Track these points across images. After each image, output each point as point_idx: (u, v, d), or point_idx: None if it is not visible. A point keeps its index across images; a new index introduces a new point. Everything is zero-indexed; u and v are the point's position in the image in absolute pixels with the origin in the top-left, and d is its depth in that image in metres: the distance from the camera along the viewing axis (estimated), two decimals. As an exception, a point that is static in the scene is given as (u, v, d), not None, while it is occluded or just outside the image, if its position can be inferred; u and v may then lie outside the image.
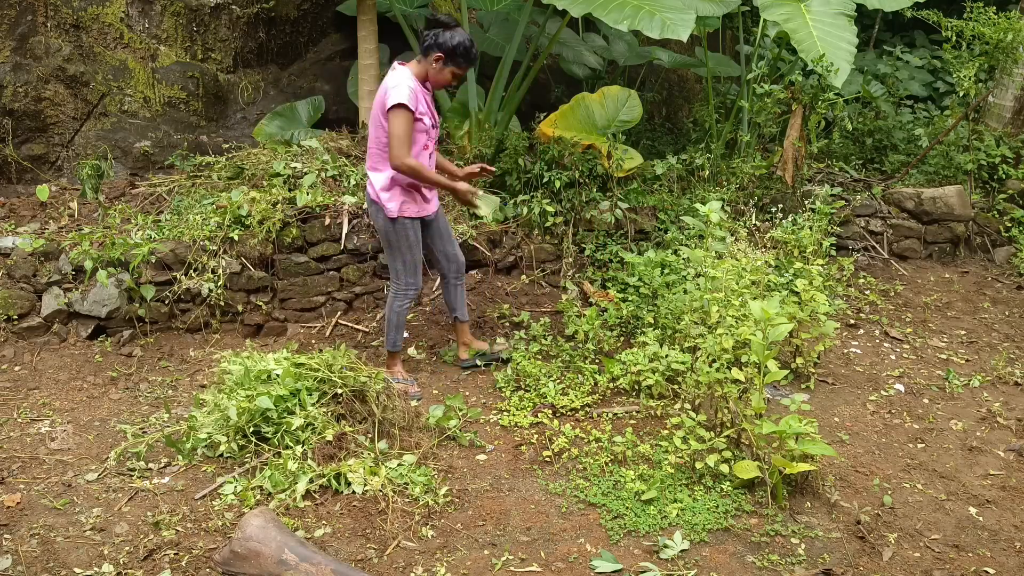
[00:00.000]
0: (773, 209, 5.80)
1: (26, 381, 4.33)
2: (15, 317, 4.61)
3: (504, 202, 5.69)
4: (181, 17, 6.09)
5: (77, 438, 3.85)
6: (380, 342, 4.88)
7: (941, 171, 6.63)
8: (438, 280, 5.25)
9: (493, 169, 4.35)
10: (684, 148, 6.61)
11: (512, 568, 3.04)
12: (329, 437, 3.57)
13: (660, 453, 3.72)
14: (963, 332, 5.22)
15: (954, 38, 6.13)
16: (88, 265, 4.60)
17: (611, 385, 4.29)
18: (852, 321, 5.28)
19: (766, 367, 3.50)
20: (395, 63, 3.99)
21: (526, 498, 3.46)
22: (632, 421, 4.05)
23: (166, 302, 4.76)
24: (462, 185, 4.06)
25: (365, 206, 5.09)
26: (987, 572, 3.09)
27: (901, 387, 4.52)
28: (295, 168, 5.33)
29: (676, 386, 4.14)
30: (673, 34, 4.76)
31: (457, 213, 5.47)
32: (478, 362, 4.57)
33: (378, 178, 4.01)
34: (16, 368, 4.44)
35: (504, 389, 4.34)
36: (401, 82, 3.84)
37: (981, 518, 3.41)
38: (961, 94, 6.14)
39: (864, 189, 6.35)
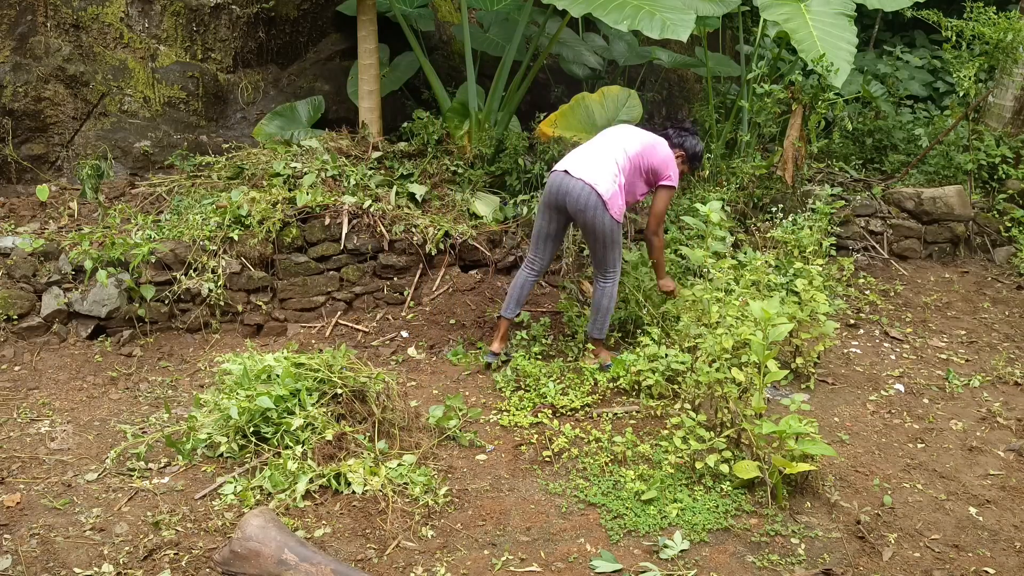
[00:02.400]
0: (773, 209, 5.79)
1: (26, 381, 4.33)
2: (15, 317, 4.61)
3: (504, 202, 5.69)
4: (181, 17, 6.09)
5: (77, 438, 3.85)
6: (380, 342, 4.88)
7: (941, 171, 6.62)
8: (438, 280, 5.25)
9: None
10: (684, 148, 6.60)
11: (512, 568, 3.04)
12: (329, 437, 3.57)
13: (660, 453, 3.72)
14: (963, 332, 5.23)
15: (954, 38, 6.13)
16: (88, 265, 4.60)
17: (611, 385, 4.29)
18: (852, 321, 5.28)
19: (766, 367, 3.50)
20: (669, 132, 4.64)
21: (526, 498, 3.46)
22: (632, 421, 4.05)
23: (166, 302, 4.76)
24: (668, 280, 4.69)
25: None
26: (987, 572, 3.09)
27: (901, 387, 4.52)
28: (295, 168, 5.33)
29: (676, 386, 4.14)
30: (673, 34, 4.76)
31: (457, 213, 5.47)
32: (488, 360, 4.59)
33: (615, 189, 4.29)
34: (16, 368, 4.44)
35: (504, 389, 4.34)
36: (676, 168, 4.53)
37: (981, 518, 3.41)
38: (961, 94, 6.14)
39: (864, 189, 6.35)
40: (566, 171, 4.28)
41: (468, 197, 5.57)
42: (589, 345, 4.56)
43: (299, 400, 3.70)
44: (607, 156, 4.34)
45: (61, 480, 3.50)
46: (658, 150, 4.45)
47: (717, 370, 3.83)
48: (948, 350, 4.97)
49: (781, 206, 5.80)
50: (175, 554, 3.05)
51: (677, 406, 4.00)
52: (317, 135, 5.86)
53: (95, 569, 2.97)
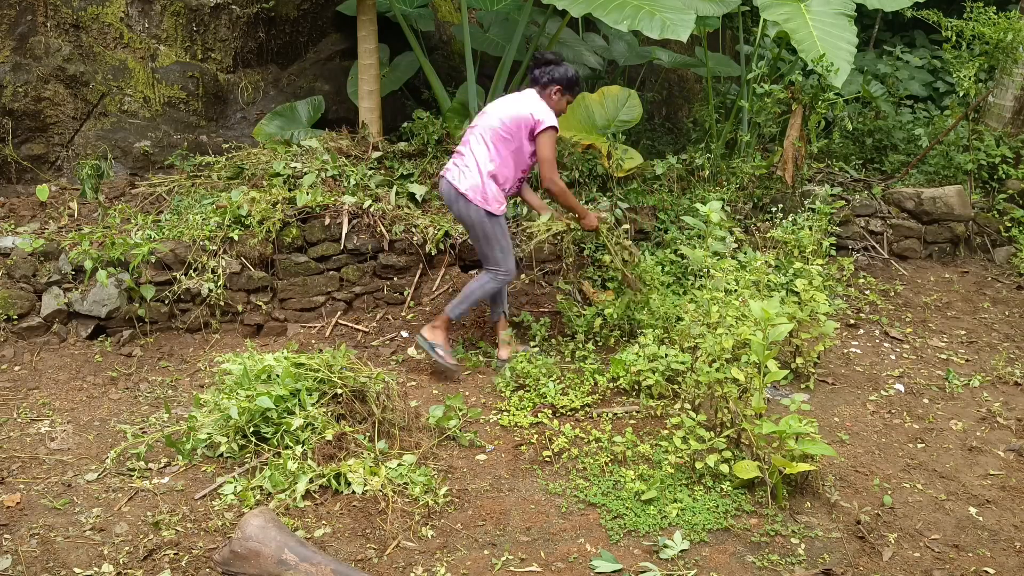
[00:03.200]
0: (773, 209, 5.80)
1: (26, 381, 4.33)
2: (15, 317, 4.61)
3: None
4: (181, 17, 6.09)
5: (77, 438, 3.85)
6: (380, 342, 4.88)
7: (941, 171, 6.62)
8: (438, 280, 5.25)
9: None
10: (684, 148, 6.62)
11: (512, 568, 3.04)
12: (329, 437, 3.57)
13: (660, 453, 3.72)
14: (963, 332, 5.22)
15: (954, 38, 6.13)
16: (88, 265, 4.60)
17: (611, 385, 4.29)
18: (852, 321, 5.28)
19: (766, 367, 3.50)
20: (527, 90, 4.43)
21: (526, 498, 3.46)
22: (632, 421, 4.05)
23: (166, 302, 4.76)
24: (592, 215, 4.56)
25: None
26: (987, 572, 3.09)
27: (901, 387, 4.52)
28: (295, 168, 5.33)
29: (676, 386, 4.14)
30: (673, 34, 4.76)
31: (457, 213, 5.47)
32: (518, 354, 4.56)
33: (485, 176, 4.31)
34: (16, 368, 4.44)
35: (504, 389, 4.34)
36: (544, 106, 4.33)
37: (981, 518, 3.41)
38: (961, 94, 6.14)
39: (864, 189, 6.35)
40: (442, 175, 4.46)
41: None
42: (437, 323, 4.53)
43: (299, 400, 3.69)
44: (472, 144, 4.36)
45: (61, 480, 3.50)
46: (519, 103, 4.34)
47: (717, 370, 3.83)
48: (948, 350, 4.97)
49: (781, 206, 5.80)
50: (175, 554, 3.05)
51: (677, 406, 4.00)
52: (317, 135, 5.86)
53: (95, 569, 2.97)
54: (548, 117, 4.28)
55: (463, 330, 4.94)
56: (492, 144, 4.33)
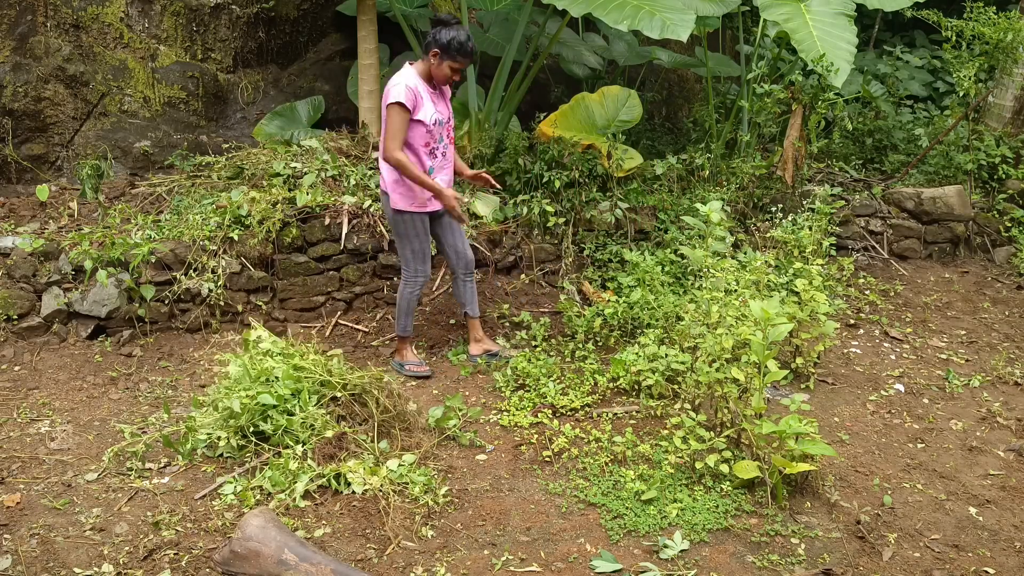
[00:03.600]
0: (773, 209, 5.80)
1: (26, 381, 4.33)
2: (15, 317, 4.61)
3: (504, 202, 5.69)
4: (181, 17, 6.09)
5: (77, 438, 3.85)
6: (380, 342, 4.88)
7: (941, 171, 6.62)
8: (438, 280, 5.25)
9: (495, 185, 4.60)
10: (684, 148, 6.61)
11: (512, 568, 3.04)
12: (329, 435, 3.57)
13: (660, 453, 3.72)
14: (963, 332, 5.22)
15: (954, 38, 6.13)
16: (88, 265, 4.60)
17: (611, 385, 4.29)
18: (852, 321, 5.28)
19: (766, 367, 3.50)
20: (406, 63, 4.19)
21: (526, 498, 3.46)
22: (632, 421, 4.05)
23: (166, 302, 4.76)
24: (449, 192, 4.19)
25: (363, 204, 5.11)
26: (987, 572, 3.09)
27: (901, 387, 4.52)
28: (295, 168, 5.33)
29: (676, 386, 4.14)
30: (673, 34, 4.76)
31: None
32: (479, 360, 4.63)
33: (387, 170, 4.22)
34: (16, 368, 4.44)
35: (504, 389, 4.34)
36: (401, 81, 4.06)
37: (981, 518, 3.41)
38: (961, 94, 6.14)
39: (864, 189, 6.35)
40: None
41: (468, 197, 5.57)
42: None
43: (299, 401, 3.70)
44: (381, 134, 4.21)
45: (61, 480, 3.50)
46: (388, 87, 4.12)
47: (717, 370, 3.83)
48: (948, 350, 4.97)
49: (781, 206, 5.80)
50: (175, 554, 3.05)
51: (677, 406, 4.00)
52: (317, 135, 5.86)
53: (95, 569, 2.97)
54: (396, 92, 4.01)
55: (463, 330, 4.94)
56: (383, 126, 4.17)
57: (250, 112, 6.40)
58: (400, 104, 4.02)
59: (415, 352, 4.63)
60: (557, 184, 5.48)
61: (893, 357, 4.88)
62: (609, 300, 4.92)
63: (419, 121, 4.11)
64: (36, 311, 4.68)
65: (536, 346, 4.72)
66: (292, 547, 2.86)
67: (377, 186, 5.41)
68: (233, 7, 6.17)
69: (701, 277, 4.75)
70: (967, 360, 4.87)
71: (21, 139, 5.79)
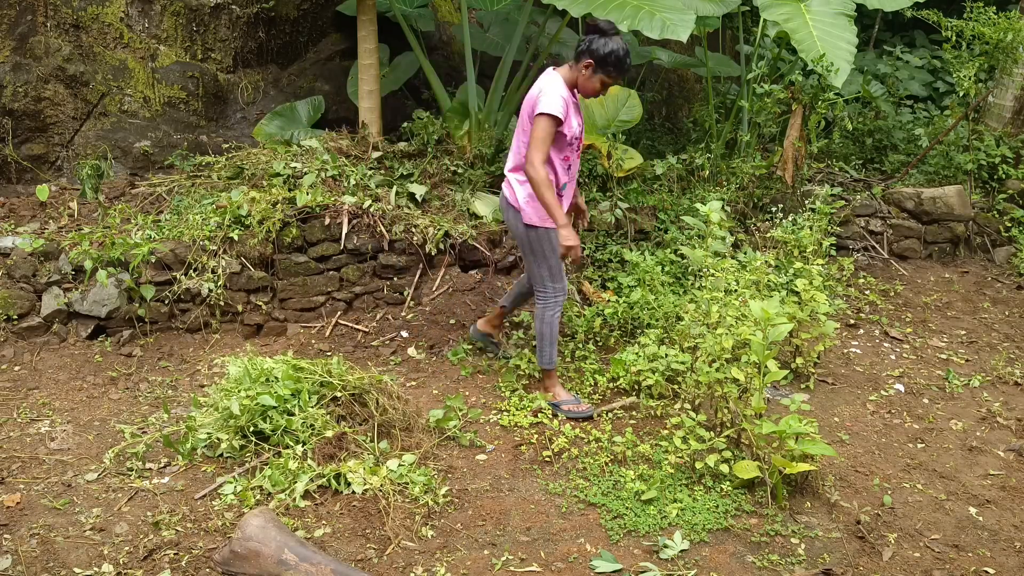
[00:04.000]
0: (773, 209, 5.79)
1: (26, 381, 4.33)
2: (15, 317, 4.61)
3: (504, 202, 5.68)
4: (181, 17, 6.09)
5: (77, 438, 3.85)
6: (380, 342, 4.88)
7: (941, 171, 6.63)
8: (438, 280, 5.25)
9: (586, 221, 4.42)
10: (684, 148, 6.61)
11: (512, 568, 3.04)
12: (329, 435, 3.57)
13: (660, 453, 3.72)
14: (963, 332, 5.22)
15: (954, 38, 6.13)
16: (88, 265, 4.60)
17: (611, 385, 4.29)
18: (852, 321, 5.28)
19: (766, 367, 3.50)
20: (550, 68, 3.88)
21: (526, 498, 3.46)
22: (632, 421, 4.05)
23: (166, 302, 4.76)
24: (566, 232, 3.75)
25: (363, 204, 5.10)
26: (987, 572, 3.09)
27: (901, 387, 4.52)
28: (295, 168, 5.33)
29: (676, 386, 4.14)
30: (673, 34, 4.75)
31: (457, 213, 5.47)
32: (476, 336, 4.61)
33: (519, 184, 3.89)
34: (16, 368, 4.44)
35: (504, 389, 4.34)
36: (553, 89, 3.74)
37: (981, 518, 3.41)
38: (961, 94, 6.14)
39: (864, 189, 6.35)
40: None
41: (468, 197, 5.57)
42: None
43: (299, 402, 3.70)
44: (514, 150, 3.95)
45: (61, 480, 3.50)
46: (537, 84, 3.82)
47: (717, 370, 3.83)
48: (948, 350, 4.97)
49: (781, 206, 5.80)
50: (175, 554, 3.05)
51: (677, 406, 4.00)
52: (317, 135, 5.86)
53: (95, 569, 2.97)
54: (549, 103, 3.69)
55: (463, 330, 4.94)
56: (518, 139, 3.90)
57: (250, 112, 6.40)
58: (554, 116, 3.69)
59: (566, 388, 4.21)
60: (557, 184, 5.47)
61: (893, 357, 4.88)
62: (609, 300, 4.92)
63: (563, 135, 3.81)
64: (36, 311, 4.68)
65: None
66: (292, 547, 2.86)
67: (378, 186, 5.41)
68: (233, 7, 6.17)
69: (701, 277, 4.76)
70: (967, 360, 4.87)
71: (21, 139, 5.79)
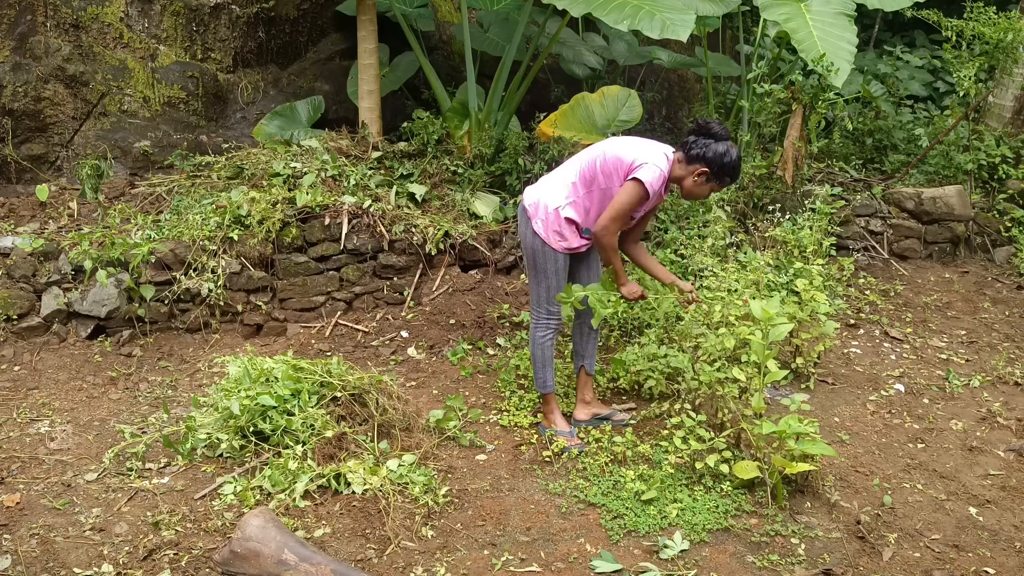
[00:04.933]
0: (773, 209, 5.79)
1: (26, 381, 4.33)
2: (15, 317, 4.61)
3: (504, 202, 5.69)
4: (181, 17, 6.08)
5: (77, 438, 3.85)
6: (380, 342, 4.88)
7: (941, 171, 6.62)
8: (438, 280, 5.25)
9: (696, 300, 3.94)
10: (684, 148, 6.60)
11: (512, 568, 3.04)
12: (329, 435, 3.57)
13: (660, 453, 3.71)
14: (963, 332, 5.22)
15: (954, 38, 6.13)
16: (88, 265, 4.60)
17: (611, 385, 4.29)
18: (852, 321, 5.28)
19: (766, 367, 3.50)
20: (669, 150, 3.63)
21: (526, 498, 3.46)
22: (632, 421, 4.04)
23: (166, 302, 4.76)
24: (628, 290, 3.73)
25: (363, 204, 5.10)
26: (987, 572, 3.09)
27: (901, 387, 4.52)
28: (295, 168, 5.33)
29: (676, 385, 4.14)
30: (673, 34, 4.76)
31: (457, 213, 5.47)
32: (587, 427, 3.99)
33: (553, 200, 3.64)
34: (16, 368, 4.44)
35: (504, 389, 4.34)
36: (658, 163, 3.52)
37: (981, 518, 3.41)
38: (961, 94, 6.14)
39: (864, 189, 6.34)
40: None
41: (468, 197, 5.57)
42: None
43: (299, 402, 3.69)
44: (565, 165, 3.77)
45: (61, 480, 3.50)
46: (633, 147, 3.60)
47: (718, 370, 3.82)
48: (948, 350, 4.97)
49: (781, 206, 5.80)
50: (175, 554, 3.04)
51: (677, 406, 4.00)
52: (317, 135, 5.86)
53: (95, 569, 2.97)
54: (650, 174, 3.47)
55: (463, 330, 4.94)
56: (581, 170, 3.65)
57: (250, 112, 6.40)
58: (646, 187, 3.46)
59: (563, 415, 3.96)
60: (557, 184, 5.47)
61: (893, 357, 4.88)
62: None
63: (640, 208, 3.62)
64: (36, 311, 4.68)
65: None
66: (292, 547, 2.86)
67: (377, 186, 5.41)
68: (233, 7, 6.17)
69: (701, 277, 4.76)
70: (967, 360, 4.87)
71: (21, 139, 5.78)
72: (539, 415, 4.01)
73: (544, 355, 3.83)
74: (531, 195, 3.71)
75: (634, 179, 3.48)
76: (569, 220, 3.63)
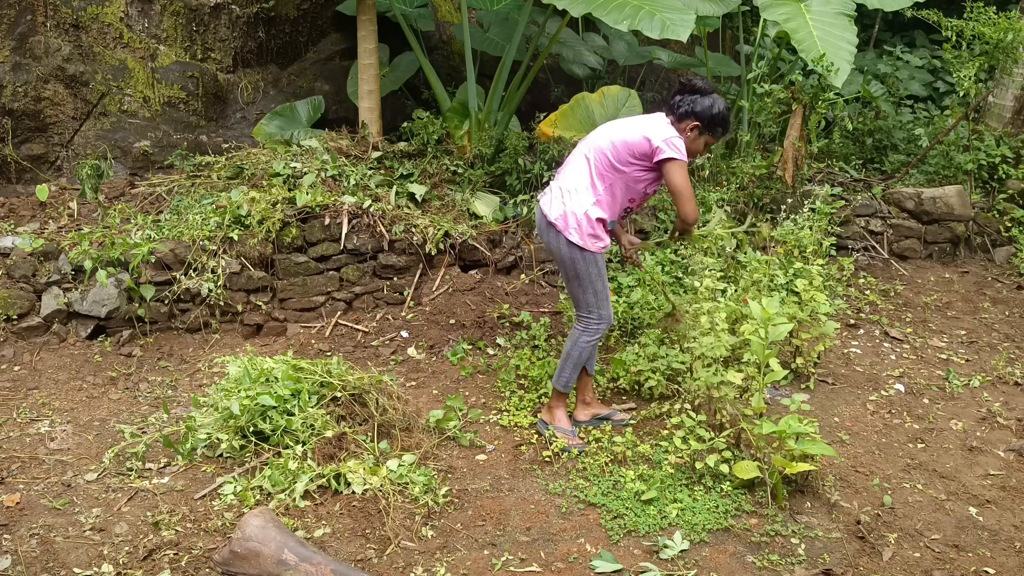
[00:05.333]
0: (773, 209, 5.79)
1: (26, 381, 4.33)
2: (15, 317, 4.61)
3: (504, 202, 5.69)
4: (181, 17, 6.08)
5: (77, 438, 3.85)
6: (380, 342, 4.88)
7: (941, 171, 6.62)
8: (438, 280, 5.25)
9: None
10: (684, 148, 6.60)
11: (512, 568, 3.04)
12: (329, 435, 3.57)
13: (660, 453, 3.71)
14: (963, 332, 5.22)
15: (954, 38, 6.13)
16: (88, 265, 4.60)
17: (611, 385, 4.29)
18: (852, 321, 5.28)
19: (767, 367, 3.49)
20: (660, 115, 3.68)
21: (526, 498, 3.46)
22: (632, 421, 4.04)
23: (166, 302, 4.76)
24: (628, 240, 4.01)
25: (363, 204, 5.10)
26: (987, 572, 3.09)
27: (901, 387, 4.52)
28: (295, 168, 5.33)
29: (676, 385, 4.14)
30: (673, 34, 4.76)
31: (457, 213, 5.47)
32: (587, 427, 4.00)
33: (580, 206, 3.62)
34: (16, 368, 4.44)
35: (504, 389, 4.34)
36: (670, 132, 3.57)
37: (981, 518, 3.41)
38: (961, 94, 6.14)
39: (864, 189, 6.34)
40: (537, 199, 3.84)
41: (468, 197, 5.57)
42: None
43: (299, 402, 3.69)
44: (572, 166, 3.74)
45: (61, 480, 3.50)
46: (634, 126, 3.63)
47: (714, 373, 3.82)
48: (948, 350, 4.97)
49: (781, 206, 5.80)
50: (175, 554, 3.04)
51: (677, 406, 4.00)
52: (317, 135, 5.86)
53: (95, 569, 2.97)
54: (675, 146, 3.52)
55: (463, 330, 4.94)
56: (594, 167, 3.64)
57: (250, 112, 6.40)
58: (685, 160, 3.54)
59: (568, 416, 3.95)
60: (557, 184, 5.47)
61: (893, 357, 4.88)
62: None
63: (659, 177, 3.66)
64: (36, 311, 4.68)
65: (537, 346, 4.72)
66: (292, 547, 2.86)
67: (377, 186, 5.41)
68: (233, 7, 6.17)
69: (701, 277, 4.75)
70: (967, 360, 4.87)
71: (21, 139, 5.78)
72: (539, 415, 4.01)
73: (580, 358, 3.81)
74: (553, 210, 3.66)
75: (669, 159, 3.53)
76: (600, 219, 3.64)
